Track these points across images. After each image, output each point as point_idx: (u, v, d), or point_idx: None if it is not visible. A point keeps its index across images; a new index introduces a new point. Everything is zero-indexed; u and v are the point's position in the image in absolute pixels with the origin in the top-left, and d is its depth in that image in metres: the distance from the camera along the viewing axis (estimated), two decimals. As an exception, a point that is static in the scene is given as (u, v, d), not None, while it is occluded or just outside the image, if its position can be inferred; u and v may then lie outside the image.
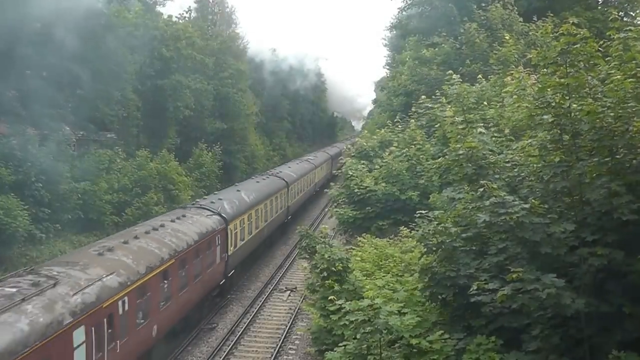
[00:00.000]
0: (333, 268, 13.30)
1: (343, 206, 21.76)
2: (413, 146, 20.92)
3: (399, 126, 24.21)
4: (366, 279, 13.90)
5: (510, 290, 8.00)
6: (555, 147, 9.26)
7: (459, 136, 11.90)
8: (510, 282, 8.05)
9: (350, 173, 21.61)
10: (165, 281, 17.56)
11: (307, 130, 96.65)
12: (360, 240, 17.41)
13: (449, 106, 17.21)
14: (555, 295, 7.72)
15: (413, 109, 23.33)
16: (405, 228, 16.02)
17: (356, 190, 20.74)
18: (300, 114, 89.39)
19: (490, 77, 20.97)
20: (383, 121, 31.98)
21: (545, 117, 9.14)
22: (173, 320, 18.54)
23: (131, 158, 38.01)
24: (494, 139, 13.69)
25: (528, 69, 15.73)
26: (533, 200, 8.89)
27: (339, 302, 11.07)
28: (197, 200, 27.51)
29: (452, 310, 10.41)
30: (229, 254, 24.38)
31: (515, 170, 10.68)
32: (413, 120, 22.87)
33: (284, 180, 37.76)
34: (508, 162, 11.00)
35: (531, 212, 8.70)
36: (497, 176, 10.40)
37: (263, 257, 33.81)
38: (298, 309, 24.33)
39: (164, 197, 36.56)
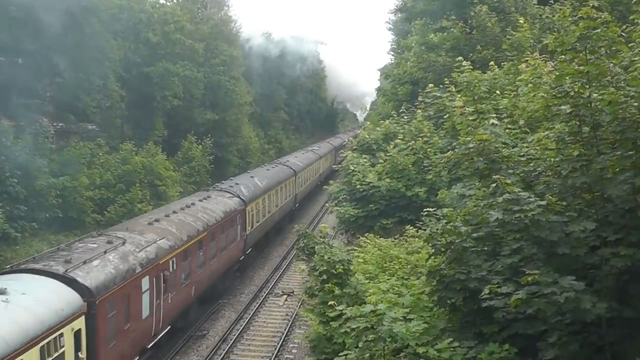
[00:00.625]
0: (333, 270, 13.26)
1: (344, 204, 21.76)
2: (420, 139, 20.89)
3: (405, 117, 24.17)
4: (369, 282, 13.88)
5: (525, 294, 7.98)
6: (574, 140, 9.22)
7: (469, 128, 11.85)
8: (525, 286, 8.04)
9: (352, 168, 21.59)
10: (200, 250, 22.57)
11: (305, 121, 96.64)
12: (362, 241, 17.40)
13: (459, 95, 16.97)
14: (574, 299, 7.70)
15: (420, 99, 23.22)
16: (412, 227, 16.00)
17: (358, 187, 20.74)
18: (297, 103, 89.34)
19: (504, 64, 20.81)
20: (387, 112, 31.97)
21: (563, 107, 9.10)
22: (205, 285, 23.57)
23: (115, 151, 38.03)
24: (507, 130, 13.59)
25: (544, 55, 15.60)
26: (550, 197, 8.87)
27: (340, 307, 11.07)
28: (217, 184, 32.25)
29: (462, 316, 10.40)
30: (247, 233, 29.41)
31: (531, 164, 10.64)
32: (420, 111, 22.83)
33: (291, 168, 43.10)
34: (523, 155, 10.94)
35: (548, 210, 8.67)
36: (510, 171, 10.37)
37: (258, 258, 34.10)
38: (295, 315, 24.37)
39: (150, 194, 36.56)
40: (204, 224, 23.16)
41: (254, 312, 25.67)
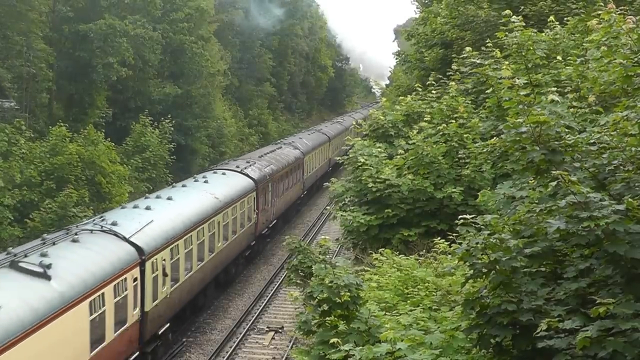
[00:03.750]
0: (337, 298, 13.06)
1: (351, 207, 21.53)
2: (454, 121, 20.71)
3: (434, 92, 24.00)
4: (385, 314, 13.82)
5: (597, 331, 7.99)
6: (664, 123, 9.22)
7: (520, 106, 11.73)
8: (597, 320, 8.05)
9: (362, 160, 21.33)
10: (283, 180, 44.85)
11: (299, 96, 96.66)
12: (376, 258, 17.25)
13: (506, 62, 16.89)
14: (664, 338, 7.71)
15: (454, 67, 23.24)
16: (443, 240, 15.82)
17: (370, 185, 20.52)
18: (289, 72, 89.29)
19: (567, 20, 20.90)
20: (410, 84, 31.88)
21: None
22: (286, 204, 47.13)
23: (41, 137, 37.95)
24: (572, 110, 13.65)
25: (622, 7, 15.71)
26: (630, 200, 8.88)
27: (346, 347, 11.04)
28: (282, 139, 54.97)
29: (511, 360, 10.45)
30: (305, 177, 54.07)
31: (605, 156, 10.64)
32: (453, 83, 22.68)
33: (326, 135, 66.70)
34: (594, 143, 11.01)
35: (628, 217, 8.69)
36: (577, 164, 10.42)
37: (240, 279, 34.60)
38: (286, 359, 24.38)
39: (90, 194, 36.51)
40: (283, 164, 46.52)
41: (229, 355, 25.71)
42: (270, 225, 42.77)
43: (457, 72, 22.88)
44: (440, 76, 24.95)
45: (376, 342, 11.59)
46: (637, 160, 9.90)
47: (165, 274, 24.20)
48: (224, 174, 36.61)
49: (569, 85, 15.48)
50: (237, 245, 34.67)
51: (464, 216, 11.25)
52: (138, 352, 22.28)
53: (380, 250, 17.89)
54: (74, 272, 18.64)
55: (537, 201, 10.56)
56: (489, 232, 10.44)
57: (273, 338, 27.45)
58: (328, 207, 29.81)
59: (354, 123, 26.91)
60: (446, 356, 10.98)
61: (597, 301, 8.15)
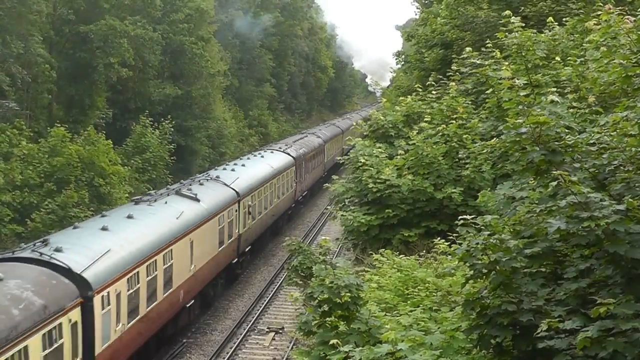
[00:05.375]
0: (337, 299, 13.08)
1: (351, 208, 21.59)
2: (454, 121, 20.74)
3: (434, 92, 24.02)
4: (385, 314, 13.85)
5: (597, 332, 8.00)
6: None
7: (520, 107, 11.87)
8: (597, 320, 8.07)
9: (362, 160, 21.39)
10: (311, 161, 57.11)
11: (299, 97, 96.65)
12: (376, 258, 17.30)
13: (506, 63, 17.03)
14: (665, 338, 7.71)
15: (454, 67, 23.17)
16: (443, 241, 15.88)
17: (370, 186, 20.55)
18: (289, 73, 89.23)
19: (567, 21, 20.83)
20: (410, 85, 31.83)
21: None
22: (314, 180, 58.98)
23: (41, 138, 37.89)
24: (572, 110, 13.65)
25: (622, 7, 15.68)
26: (630, 200, 8.87)
27: (346, 348, 11.04)
28: (307, 130, 66.12)
29: (512, 360, 10.42)
30: (325, 162, 64.69)
31: (605, 156, 10.67)
32: (453, 84, 22.71)
33: (340, 128, 77.12)
34: (593, 144, 11.02)
35: (628, 217, 8.69)
36: (577, 165, 10.42)
37: (239, 280, 34.45)
38: None
39: (90, 195, 36.46)
40: (310, 148, 57.70)
41: (229, 356, 25.65)
42: (304, 194, 55.41)
43: (457, 73, 22.81)
44: (440, 76, 24.88)
45: (377, 343, 11.56)
46: (637, 160, 9.91)
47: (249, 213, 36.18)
48: (272, 152, 49.26)
49: (569, 86, 15.51)
50: (284, 203, 47.23)
51: (464, 217, 11.26)
52: (236, 259, 34.34)
53: (380, 250, 17.94)
54: (210, 198, 30.80)
55: (537, 201, 10.55)
56: (489, 232, 10.46)
57: (273, 339, 27.39)
58: (329, 207, 29.81)
59: (355, 123, 27.28)
60: (446, 357, 10.97)
61: (598, 301, 8.16)
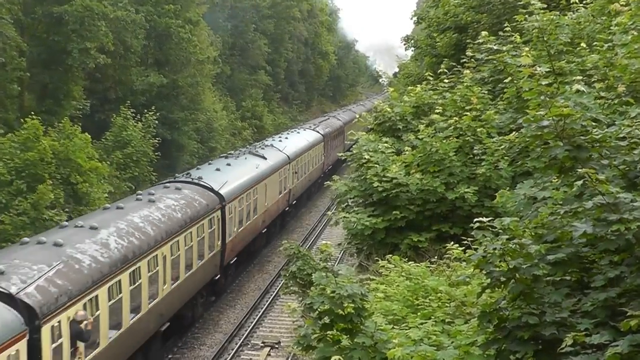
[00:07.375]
0: (340, 310, 12.76)
1: (355, 209, 21.41)
2: (468, 113, 20.67)
3: (446, 81, 24.16)
4: (393, 327, 13.81)
5: (628, 347, 7.88)
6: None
7: (542, 97, 11.77)
8: (628, 334, 7.96)
9: (367, 157, 21.24)
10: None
11: (298, 86, 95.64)
12: (383, 265, 17.13)
13: (526, 49, 17.14)
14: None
15: (468, 53, 23.36)
16: (456, 245, 15.68)
17: (376, 184, 20.37)
18: (286, 60, 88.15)
19: (591, 2, 20.80)
20: (420, 73, 32.06)
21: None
22: (333, 161, 67.71)
23: (10, 131, 37.07)
24: (600, 101, 13.66)
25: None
26: (664, 201, 8.82)
27: (349, 365, 11.01)
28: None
29: (533, 379, 10.59)
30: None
31: (636, 152, 10.69)
32: (468, 72, 22.89)
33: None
34: (623, 138, 11.01)
35: (663, 220, 8.63)
36: (605, 162, 10.41)
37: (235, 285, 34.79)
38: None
39: (65, 195, 35.63)
40: (333, 128, 67.79)
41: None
42: (329, 168, 65.55)
43: (472, 59, 23.03)
44: (454, 63, 25.12)
45: (384, 359, 11.68)
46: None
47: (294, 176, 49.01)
48: (305, 130, 60.63)
49: (596, 74, 15.55)
50: (316, 172, 58.86)
51: (480, 219, 11.27)
52: (288, 208, 48.75)
53: (387, 256, 17.92)
54: (272, 158, 43.41)
55: (561, 202, 10.73)
56: (507, 236, 10.53)
57: (269, 354, 26.98)
58: (329, 212, 30.07)
59: (358, 116, 27.68)
60: (462, 375, 11.35)
61: (628, 313, 8.03)
